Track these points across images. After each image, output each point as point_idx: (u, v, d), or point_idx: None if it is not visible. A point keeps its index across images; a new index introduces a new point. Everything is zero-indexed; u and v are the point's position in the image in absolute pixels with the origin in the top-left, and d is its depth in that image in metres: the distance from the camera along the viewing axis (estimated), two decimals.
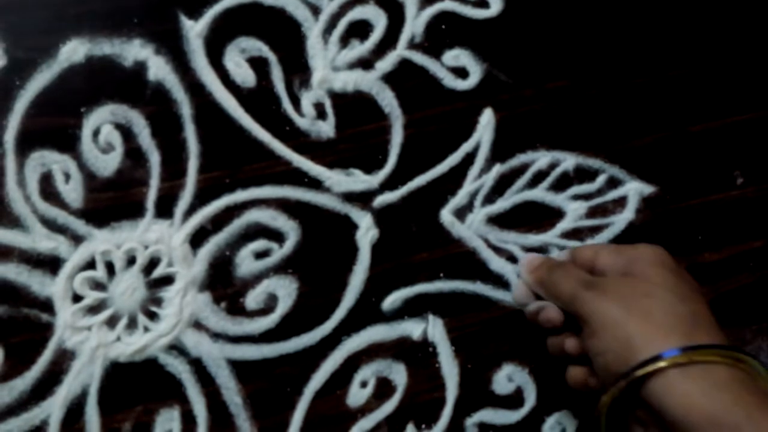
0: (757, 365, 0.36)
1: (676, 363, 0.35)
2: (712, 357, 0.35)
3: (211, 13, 0.44)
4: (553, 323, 0.42)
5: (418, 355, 0.45)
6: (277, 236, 0.44)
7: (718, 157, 0.50)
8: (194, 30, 0.44)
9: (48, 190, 0.41)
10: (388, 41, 0.47)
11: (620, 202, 0.49)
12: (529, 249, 0.47)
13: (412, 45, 0.47)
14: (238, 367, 0.42)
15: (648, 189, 0.49)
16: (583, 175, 0.48)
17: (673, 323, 0.37)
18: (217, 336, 0.42)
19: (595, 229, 0.48)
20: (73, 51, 0.42)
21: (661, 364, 0.35)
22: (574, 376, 0.41)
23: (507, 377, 0.46)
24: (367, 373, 0.44)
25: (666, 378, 0.35)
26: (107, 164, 0.42)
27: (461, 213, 0.47)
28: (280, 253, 0.44)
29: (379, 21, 0.46)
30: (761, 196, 0.51)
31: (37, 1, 0.42)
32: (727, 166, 0.51)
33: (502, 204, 0.47)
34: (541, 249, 0.47)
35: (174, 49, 0.43)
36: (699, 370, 0.35)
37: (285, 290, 0.43)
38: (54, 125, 0.42)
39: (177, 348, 0.42)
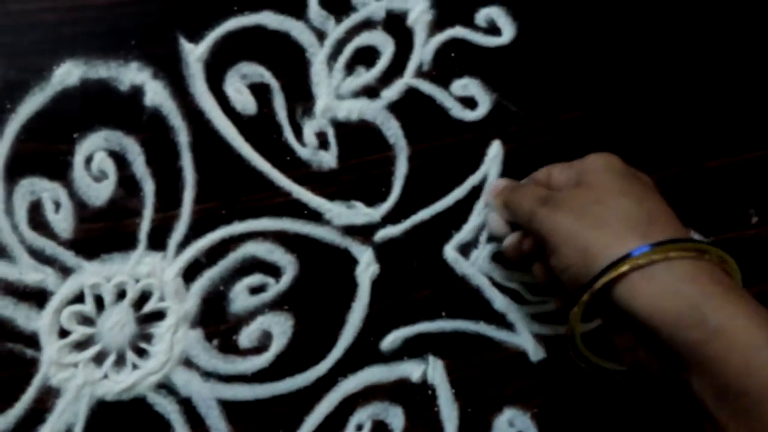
0: (722, 253, 0.35)
1: (636, 265, 0.34)
2: (674, 253, 0.34)
3: (212, 36, 0.43)
4: (517, 251, 0.42)
5: (416, 398, 0.43)
6: (274, 270, 0.43)
7: (733, 195, 0.49)
8: (194, 53, 0.43)
9: (37, 219, 0.40)
10: (395, 69, 0.45)
11: None
12: (535, 288, 0.46)
13: (420, 73, 0.46)
14: (229, 407, 0.41)
15: None
16: None
17: (628, 226, 0.36)
18: (208, 375, 0.41)
19: None
20: (68, 73, 0.41)
21: (622, 268, 0.34)
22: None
23: (508, 422, 0.44)
24: (363, 416, 0.43)
25: (629, 282, 0.34)
26: (99, 193, 0.41)
27: (466, 249, 0.45)
28: (276, 288, 0.42)
29: (387, 48, 0.45)
30: None
31: (31, 22, 0.41)
32: (741, 203, 0.49)
33: (510, 239, 0.45)
34: None
35: (172, 74, 0.42)
36: (661, 268, 0.34)
37: (280, 328, 0.42)
38: (45, 151, 0.41)
39: (166, 387, 0.40)
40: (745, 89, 0.50)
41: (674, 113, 0.49)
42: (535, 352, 0.45)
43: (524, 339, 0.45)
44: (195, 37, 0.43)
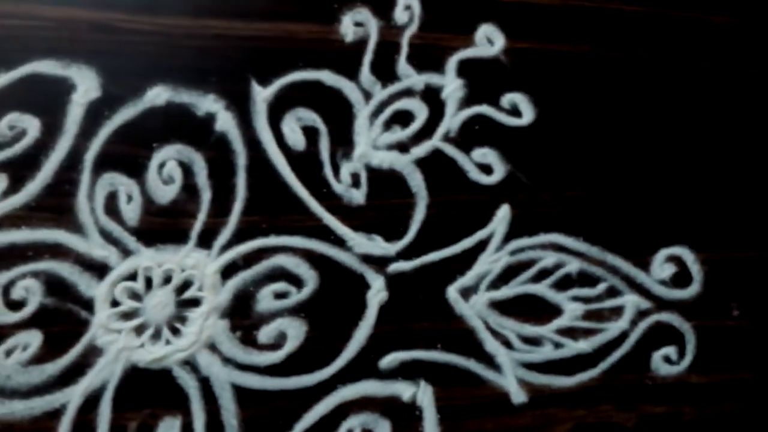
0: None
1: None
2: None
3: (278, 83, 0.49)
4: None
5: (404, 416, 0.46)
6: (297, 282, 0.47)
7: (717, 287, 0.53)
8: (262, 95, 0.49)
9: (111, 206, 0.45)
10: (426, 131, 0.50)
11: (617, 311, 0.51)
12: (524, 338, 0.49)
13: (447, 138, 0.51)
14: (241, 392, 0.44)
15: (645, 304, 0.51)
16: (585, 279, 0.51)
17: None
18: (227, 361, 0.45)
19: (590, 332, 0.50)
20: (157, 95, 0.47)
21: None
22: None
23: None
24: (355, 422, 0.45)
25: None
26: (165, 194, 0.46)
27: (466, 293, 0.49)
28: (296, 297, 0.46)
29: (421, 113, 0.51)
30: (755, 330, 0.52)
31: (137, 51, 0.48)
32: (724, 296, 0.53)
33: (506, 292, 0.50)
34: (536, 340, 0.50)
35: (241, 108, 0.48)
36: None
37: (295, 331, 0.46)
38: (128, 153, 0.46)
39: (190, 364, 0.44)
40: (740, 191, 0.54)
41: (665, 206, 0.53)
42: (517, 394, 0.48)
43: (509, 381, 0.48)
44: (264, 82, 0.49)
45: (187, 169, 0.47)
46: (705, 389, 0.52)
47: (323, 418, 0.46)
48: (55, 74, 0.47)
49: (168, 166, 0.46)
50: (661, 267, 0.52)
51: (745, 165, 0.56)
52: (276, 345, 0.46)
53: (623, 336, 0.51)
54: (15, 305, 0.44)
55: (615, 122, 0.54)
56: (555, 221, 0.52)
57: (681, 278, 0.53)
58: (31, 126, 0.46)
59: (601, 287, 0.52)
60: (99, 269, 0.45)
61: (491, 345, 0.49)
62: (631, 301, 0.52)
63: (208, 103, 0.48)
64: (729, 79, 0.57)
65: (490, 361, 0.49)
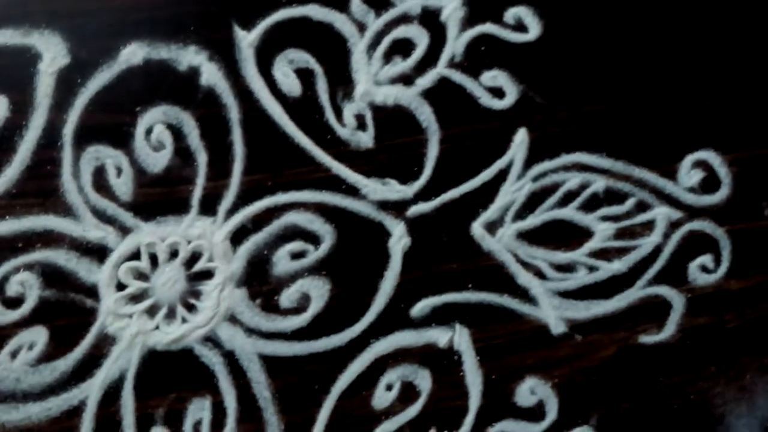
0: None
1: None
2: None
3: (263, 25, 0.46)
4: None
5: (443, 363, 0.46)
6: (313, 239, 0.45)
7: (748, 188, 0.51)
8: (246, 40, 0.46)
9: (100, 182, 0.43)
10: (429, 59, 0.48)
11: (648, 226, 0.50)
12: (557, 266, 0.48)
13: (452, 64, 0.48)
14: (269, 362, 0.43)
15: (676, 214, 0.50)
16: (613, 197, 0.49)
17: None
18: (250, 331, 0.44)
19: (623, 251, 0.49)
20: (132, 54, 0.44)
21: None
22: None
23: (530, 390, 0.46)
24: (393, 376, 0.45)
25: None
26: (157, 161, 0.44)
27: (492, 227, 0.48)
28: (315, 255, 0.45)
29: (422, 40, 0.48)
30: None
31: (102, 6, 0.44)
32: (755, 197, 0.51)
33: (533, 220, 0.48)
34: (569, 267, 0.48)
35: (226, 57, 0.45)
36: None
37: (318, 291, 0.45)
38: (110, 122, 0.43)
39: (212, 340, 0.43)
40: (762, 84, 0.52)
41: (692, 110, 0.51)
42: (556, 325, 0.47)
43: (546, 313, 0.47)
44: (247, 25, 0.46)
45: (176, 132, 0.44)
46: (745, 294, 0.51)
47: (360, 376, 0.45)
48: (15, 44, 0.43)
49: (156, 131, 0.44)
50: (689, 174, 0.51)
51: (765, 56, 0.53)
52: (300, 308, 0.45)
53: (657, 250, 0.50)
54: (12, 302, 0.42)
55: (627, 27, 0.51)
56: (575, 139, 0.50)
57: (710, 183, 0.51)
58: None
59: (630, 203, 0.50)
60: (98, 252, 0.43)
61: (524, 277, 0.48)
62: (661, 213, 0.50)
63: (189, 56, 0.45)
64: None
65: (524, 294, 0.48)
